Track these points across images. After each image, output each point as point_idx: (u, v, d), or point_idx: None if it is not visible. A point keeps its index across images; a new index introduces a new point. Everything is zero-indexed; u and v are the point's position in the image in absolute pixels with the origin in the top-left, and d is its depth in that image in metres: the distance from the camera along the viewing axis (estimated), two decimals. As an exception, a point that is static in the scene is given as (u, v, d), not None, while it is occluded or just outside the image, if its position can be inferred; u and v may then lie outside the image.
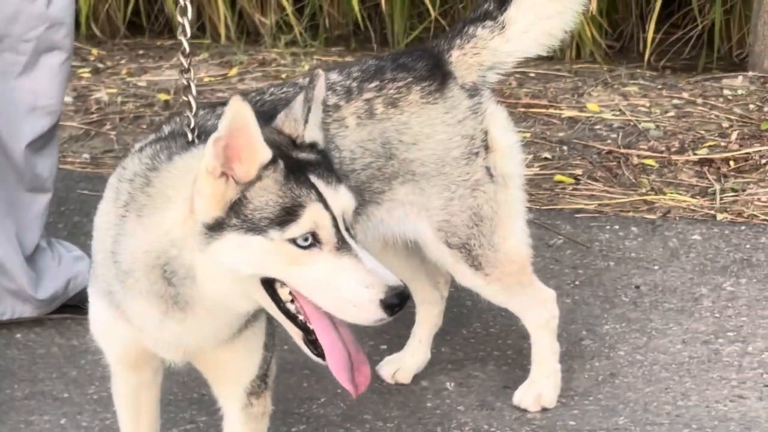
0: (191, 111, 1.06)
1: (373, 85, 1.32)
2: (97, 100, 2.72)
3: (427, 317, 1.57)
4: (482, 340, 1.67)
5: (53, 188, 1.78)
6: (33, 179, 1.72)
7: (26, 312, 1.84)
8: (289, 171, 0.91)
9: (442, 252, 1.36)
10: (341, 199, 0.95)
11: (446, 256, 1.35)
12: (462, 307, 1.74)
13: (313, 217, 0.89)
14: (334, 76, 1.33)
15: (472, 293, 1.46)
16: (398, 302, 0.90)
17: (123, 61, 2.88)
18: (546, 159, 2.30)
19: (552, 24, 1.33)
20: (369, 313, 0.88)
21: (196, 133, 1.06)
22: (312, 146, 1.00)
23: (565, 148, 2.32)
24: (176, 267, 0.93)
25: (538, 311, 1.42)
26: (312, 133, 1.00)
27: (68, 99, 2.59)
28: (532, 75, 2.68)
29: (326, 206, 0.91)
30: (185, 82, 1.11)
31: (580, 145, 2.31)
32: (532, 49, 1.35)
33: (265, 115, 1.09)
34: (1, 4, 1.65)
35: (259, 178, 0.89)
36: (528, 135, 2.37)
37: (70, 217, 2.08)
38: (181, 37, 1.07)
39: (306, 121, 0.97)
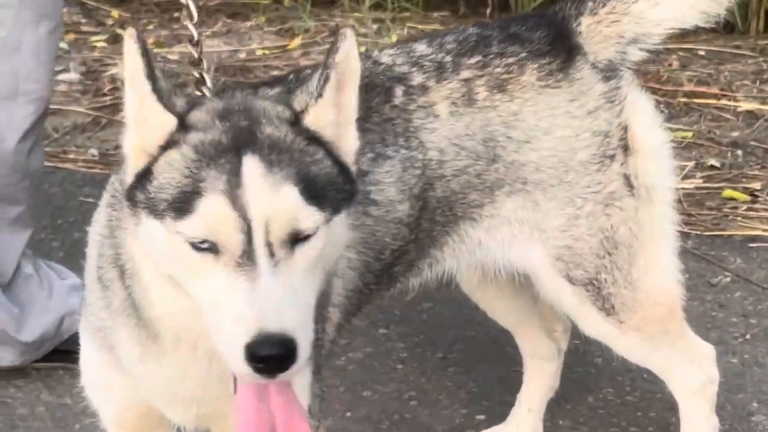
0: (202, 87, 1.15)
1: (473, 61, 1.36)
2: (113, 77, 2.82)
3: (539, 377, 1.66)
4: (615, 410, 1.73)
5: (36, 195, 1.87)
6: (11, 183, 1.80)
7: (5, 359, 1.93)
8: (210, 146, 0.95)
9: (561, 289, 1.41)
10: (276, 201, 0.94)
11: (567, 294, 1.40)
12: (588, 365, 1.84)
13: (208, 212, 0.91)
14: (422, 48, 1.38)
15: (601, 346, 1.53)
16: (267, 355, 0.89)
17: (151, 27, 3.01)
18: (712, 167, 2.31)
19: None
20: (232, 359, 0.88)
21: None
22: (310, 137, 1.03)
23: (739, 153, 2.32)
24: (125, 260, 1.00)
25: (690, 373, 1.47)
26: (322, 116, 1.03)
27: (74, 76, 2.75)
28: (700, 53, 2.74)
29: (235, 203, 0.92)
30: (196, 73, 1.16)
31: (760, 150, 2.32)
32: (691, 18, 1.40)
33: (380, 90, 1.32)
34: None
35: (166, 147, 0.94)
36: (689, 134, 2.39)
37: (69, 233, 2.14)
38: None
39: (320, 95, 0.99)
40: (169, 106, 0.98)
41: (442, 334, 2.10)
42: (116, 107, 2.50)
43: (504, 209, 1.38)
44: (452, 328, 2.09)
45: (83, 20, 3.00)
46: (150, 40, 2.80)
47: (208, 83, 1.19)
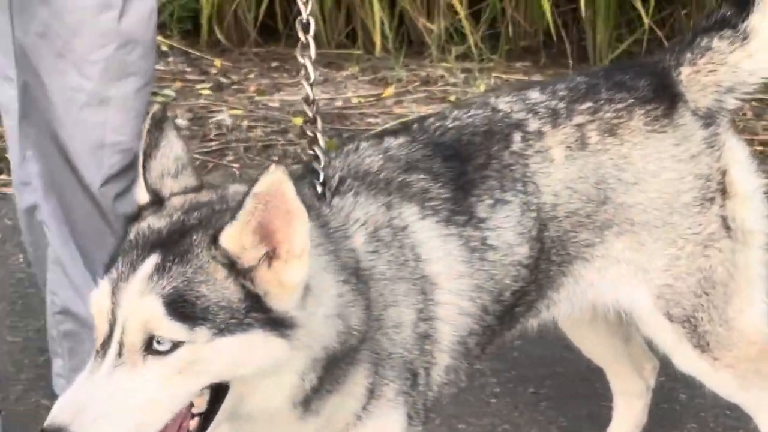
0: (320, 163, 1.23)
1: (585, 106, 1.41)
2: (218, 123, 2.95)
3: (628, 414, 1.72)
4: None
5: None
6: (97, 227, 1.88)
7: None
8: (142, 234, 1.06)
9: (660, 326, 1.44)
10: (136, 306, 1.01)
11: (666, 331, 1.43)
12: (673, 402, 1.88)
13: (95, 292, 1.04)
14: (536, 95, 1.44)
15: (686, 383, 1.61)
16: None
17: (252, 75, 3.13)
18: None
19: None
20: None
21: (327, 188, 1.25)
22: (221, 257, 1.05)
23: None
24: None
25: None
26: (237, 241, 1.05)
27: (182, 122, 2.86)
28: (775, 103, 2.92)
29: (115, 295, 1.02)
30: (310, 132, 1.24)
31: None
32: None
33: (447, 147, 1.36)
34: (63, 10, 1.77)
35: (133, 218, 1.13)
36: (764, 182, 2.49)
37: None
38: (305, 60, 1.22)
39: (233, 218, 1.04)
40: (149, 184, 1.12)
41: (533, 370, 2.13)
42: (222, 151, 2.66)
43: (613, 249, 1.42)
44: (543, 365, 2.11)
45: (188, 69, 3.13)
46: (252, 89, 2.92)
47: (321, 144, 1.28)
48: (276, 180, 1.02)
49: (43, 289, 2.04)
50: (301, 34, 1.28)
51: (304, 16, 1.24)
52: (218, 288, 1.08)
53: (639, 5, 2.93)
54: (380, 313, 1.28)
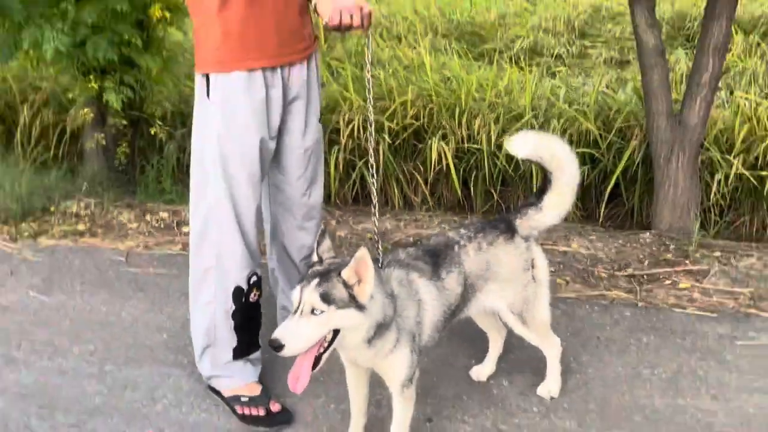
0: (379, 258, 2.21)
1: (480, 234, 2.36)
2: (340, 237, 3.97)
3: (494, 346, 2.79)
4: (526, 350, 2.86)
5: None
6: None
7: None
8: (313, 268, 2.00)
9: (509, 317, 2.47)
10: (309, 294, 1.91)
11: (511, 318, 2.46)
12: (512, 347, 2.97)
13: (296, 288, 1.94)
14: (462, 230, 2.44)
15: (521, 340, 2.62)
16: (270, 346, 1.89)
17: None
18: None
19: (566, 204, 2.43)
20: None
21: (380, 264, 2.17)
22: (341, 281, 1.98)
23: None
24: None
25: (551, 345, 2.60)
26: (347, 277, 1.95)
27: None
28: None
29: (301, 291, 1.93)
30: (377, 241, 2.29)
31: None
32: (557, 219, 2.45)
33: (430, 250, 2.36)
34: (290, 195, 2.62)
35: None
36: None
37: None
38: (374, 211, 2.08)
39: (346, 266, 1.96)
40: (318, 254, 2.10)
41: (465, 339, 3.05)
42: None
43: (491, 287, 2.41)
44: (463, 332, 2.91)
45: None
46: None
47: (380, 248, 2.26)
48: (363, 254, 1.89)
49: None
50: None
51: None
52: (339, 291, 1.94)
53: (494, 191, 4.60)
54: (401, 311, 2.11)
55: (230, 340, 2.52)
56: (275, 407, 2.54)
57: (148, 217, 4.40)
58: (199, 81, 2.33)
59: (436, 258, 2.30)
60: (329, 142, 5.03)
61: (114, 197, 4.59)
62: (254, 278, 2.49)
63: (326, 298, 1.91)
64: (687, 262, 3.82)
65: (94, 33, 4.23)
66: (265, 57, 2.28)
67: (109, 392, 2.72)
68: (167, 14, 4.56)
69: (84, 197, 4.56)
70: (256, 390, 2.60)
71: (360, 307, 1.94)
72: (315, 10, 2.31)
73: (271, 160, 2.48)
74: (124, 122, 4.89)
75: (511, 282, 2.45)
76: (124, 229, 4.24)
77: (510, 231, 2.46)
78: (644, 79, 4.25)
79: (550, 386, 2.70)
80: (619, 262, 3.80)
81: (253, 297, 2.52)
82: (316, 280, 1.92)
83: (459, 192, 5.00)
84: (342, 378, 2.48)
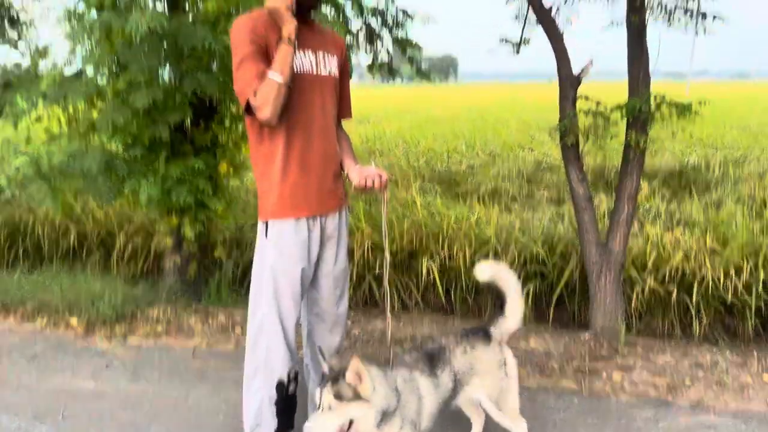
0: (389, 364, 2.14)
1: (464, 340, 2.35)
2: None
3: (476, 428, 2.70)
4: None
5: None
6: None
7: None
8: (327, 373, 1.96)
9: (488, 405, 2.40)
10: (326, 396, 1.93)
11: (489, 406, 2.40)
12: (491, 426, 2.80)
13: (317, 395, 1.94)
14: (450, 338, 2.32)
15: (494, 424, 2.51)
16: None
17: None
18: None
19: (519, 311, 2.40)
20: None
21: (390, 366, 2.14)
22: (347, 383, 1.95)
23: None
24: None
25: (520, 427, 2.46)
26: (350, 379, 1.95)
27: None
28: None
29: (320, 393, 1.93)
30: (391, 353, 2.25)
31: None
32: (517, 324, 2.42)
33: (427, 353, 2.27)
34: (324, 309, 2.54)
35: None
36: None
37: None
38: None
39: (344, 376, 1.94)
40: (327, 362, 2.06)
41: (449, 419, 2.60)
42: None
43: (474, 381, 2.35)
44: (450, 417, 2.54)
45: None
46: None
47: (391, 355, 2.23)
48: (355, 364, 1.91)
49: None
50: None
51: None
52: (346, 390, 1.94)
53: (470, 297, 4.67)
54: (404, 403, 2.07)
55: (272, 423, 2.44)
56: None
57: (210, 321, 4.33)
58: (260, 225, 2.37)
59: (432, 359, 2.26)
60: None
61: (185, 304, 4.54)
62: (293, 373, 2.44)
63: (338, 396, 1.93)
64: (617, 357, 3.77)
65: (178, 184, 4.28)
66: (308, 209, 2.35)
67: (178, 463, 2.60)
68: (231, 169, 4.62)
69: (163, 304, 4.51)
70: None
71: (364, 401, 1.95)
72: (347, 176, 2.42)
73: (310, 282, 2.47)
74: (195, 247, 4.88)
75: (489, 376, 2.39)
76: (192, 330, 4.19)
77: (487, 337, 2.43)
78: (577, 216, 4.31)
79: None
80: (567, 357, 3.72)
81: (291, 389, 2.46)
82: (329, 384, 1.95)
83: (443, 298, 4.99)
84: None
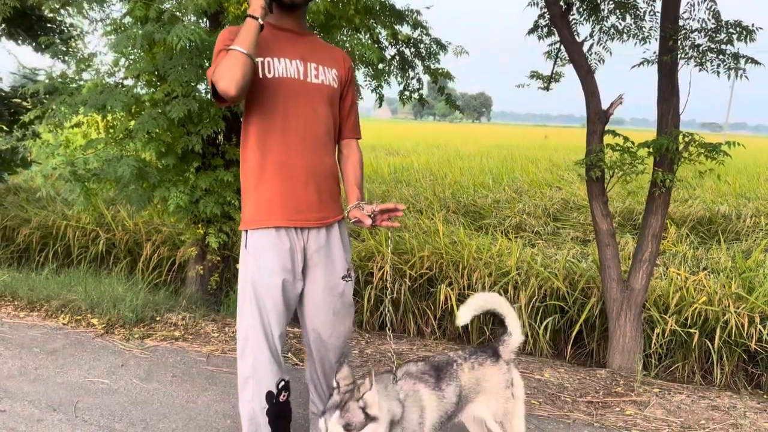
0: (396, 376, 2.04)
1: (473, 356, 2.27)
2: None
3: None
4: None
5: None
6: None
7: None
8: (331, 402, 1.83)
9: (492, 424, 2.30)
10: (333, 425, 1.82)
11: (493, 425, 2.29)
12: None
13: (322, 425, 1.82)
14: (459, 353, 2.23)
15: None
16: None
17: None
18: None
19: (520, 329, 2.32)
20: None
21: (395, 379, 2.03)
22: (360, 407, 1.84)
23: None
24: None
25: None
26: (366, 402, 1.84)
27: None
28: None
29: (326, 426, 1.82)
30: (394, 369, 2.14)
31: None
32: (520, 340, 2.34)
33: (434, 365, 2.17)
34: (317, 326, 2.39)
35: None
36: None
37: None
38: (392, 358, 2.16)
39: (356, 400, 1.84)
40: (337, 383, 1.90)
41: None
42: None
43: (479, 398, 2.25)
44: None
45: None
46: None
47: (395, 369, 2.13)
48: (367, 384, 1.84)
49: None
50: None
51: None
52: (357, 416, 1.85)
53: (486, 327, 4.57)
54: (407, 414, 2.01)
55: (266, 431, 2.35)
56: None
57: (227, 330, 4.37)
58: (242, 235, 2.28)
59: (439, 372, 2.20)
60: (365, 283, 5.06)
61: (204, 313, 4.57)
62: (282, 383, 2.33)
63: (348, 428, 1.85)
64: (632, 394, 3.69)
65: (206, 195, 4.37)
66: (284, 219, 2.23)
67: (183, 461, 2.60)
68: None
69: (182, 311, 4.57)
70: None
71: (374, 419, 1.87)
72: (348, 211, 2.33)
73: (303, 301, 2.37)
74: (218, 258, 4.97)
75: (495, 395, 2.30)
76: (209, 337, 4.22)
77: (496, 355, 2.35)
78: (600, 252, 4.28)
79: None
80: (581, 391, 3.64)
81: (282, 397, 2.34)
82: (337, 413, 1.84)
83: (460, 327, 4.85)
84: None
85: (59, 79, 4.51)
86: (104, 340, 3.94)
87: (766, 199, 10.13)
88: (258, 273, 2.21)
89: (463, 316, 2.26)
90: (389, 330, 2.54)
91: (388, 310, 2.31)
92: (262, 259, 2.20)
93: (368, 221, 2.16)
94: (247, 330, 2.23)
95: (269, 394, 2.30)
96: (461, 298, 4.98)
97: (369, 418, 1.84)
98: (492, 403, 2.31)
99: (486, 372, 2.31)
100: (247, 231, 2.24)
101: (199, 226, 4.78)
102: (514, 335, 2.36)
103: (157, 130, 4.07)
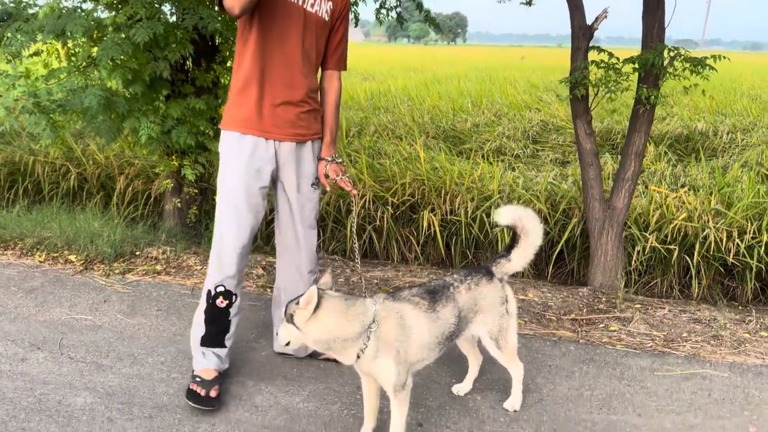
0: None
1: (468, 278, 2.31)
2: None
3: (473, 367, 2.69)
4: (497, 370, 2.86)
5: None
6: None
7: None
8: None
9: (488, 342, 2.38)
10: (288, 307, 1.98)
11: (489, 343, 2.37)
12: (489, 362, 2.88)
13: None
14: (455, 275, 2.28)
15: (493, 361, 2.52)
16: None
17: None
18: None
19: (529, 257, 2.38)
20: None
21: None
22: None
23: None
24: None
25: (517, 367, 2.49)
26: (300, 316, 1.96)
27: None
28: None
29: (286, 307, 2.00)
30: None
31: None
32: (521, 267, 2.39)
33: (430, 289, 2.23)
34: (288, 231, 2.62)
35: None
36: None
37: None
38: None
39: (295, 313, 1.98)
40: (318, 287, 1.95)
41: (447, 361, 2.77)
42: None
43: (477, 318, 2.32)
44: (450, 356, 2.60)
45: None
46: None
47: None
48: (312, 291, 1.91)
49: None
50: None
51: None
52: (288, 312, 2.00)
53: (469, 252, 4.60)
54: (385, 331, 2.03)
55: (201, 328, 2.54)
56: (213, 393, 2.48)
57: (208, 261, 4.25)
58: (221, 133, 2.47)
59: (434, 295, 2.23)
60: (347, 212, 5.02)
61: (184, 246, 4.51)
62: (220, 288, 2.46)
63: (288, 318, 2.02)
64: (615, 311, 3.75)
65: (178, 124, 4.23)
66: (256, 129, 2.41)
67: (174, 393, 2.64)
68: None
69: (162, 245, 4.50)
70: (210, 375, 2.55)
71: (297, 327, 1.99)
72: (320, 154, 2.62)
73: (277, 206, 2.59)
74: (196, 191, 4.87)
75: (491, 312, 2.37)
76: (191, 270, 4.16)
77: (489, 274, 2.41)
78: (583, 172, 4.27)
79: (513, 401, 2.60)
80: (564, 309, 3.69)
81: (219, 303, 2.49)
82: (292, 302, 2.01)
83: (443, 252, 4.96)
84: (354, 389, 2.55)
85: (11, 4, 4.21)
86: (84, 277, 3.88)
87: (742, 115, 10.19)
88: (223, 172, 2.41)
89: (504, 216, 2.37)
90: (357, 256, 2.79)
91: (353, 241, 2.29)
92: (228, 159, 2.39)
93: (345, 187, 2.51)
94: (219, 226, 2.44)
95: (208, 293, 2.48)
96: (444, 224, 4.97)
97: (292, 321, 1.98)
98: (488, 320, 2.37)
99: (482, 290, 2.35)
100: (222, 130, 2.44)
101: (173, 157, 4.64)
102: (514, 263, 2.41)
103: (122, 57, 3.87)
